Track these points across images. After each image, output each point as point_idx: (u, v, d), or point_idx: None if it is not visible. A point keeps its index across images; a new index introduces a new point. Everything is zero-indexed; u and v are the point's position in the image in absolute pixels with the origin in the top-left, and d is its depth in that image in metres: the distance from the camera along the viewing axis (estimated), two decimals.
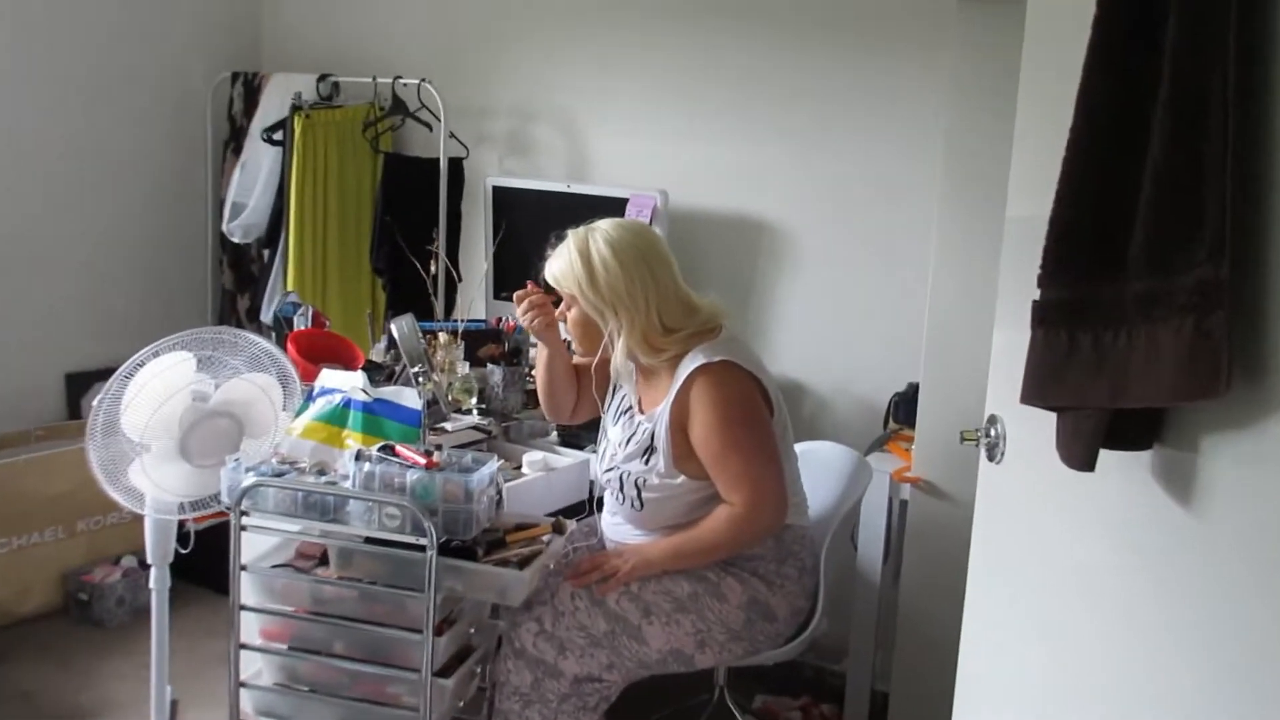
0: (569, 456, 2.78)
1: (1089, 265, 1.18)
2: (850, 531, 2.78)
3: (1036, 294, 1.25)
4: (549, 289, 2.27)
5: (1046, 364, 1.24)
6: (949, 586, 2.15)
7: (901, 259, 3.18)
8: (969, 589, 1.78)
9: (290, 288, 3.71)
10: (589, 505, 2.61)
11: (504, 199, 3.61)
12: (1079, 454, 1.23)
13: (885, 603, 2.89)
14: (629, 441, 2.26)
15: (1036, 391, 1.27)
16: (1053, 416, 1.29)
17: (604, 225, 2.21)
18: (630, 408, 2.31)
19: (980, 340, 1.92)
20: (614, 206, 3.20)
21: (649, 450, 2.22)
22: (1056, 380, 1.23)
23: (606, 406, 2.41)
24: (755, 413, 2.18)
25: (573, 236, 2.21)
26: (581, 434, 2.84)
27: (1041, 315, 1.25)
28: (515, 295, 2.34)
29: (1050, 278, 1.23)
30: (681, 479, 2.20)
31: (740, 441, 2.15)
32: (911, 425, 2.81)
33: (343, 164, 3.88)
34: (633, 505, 2.24)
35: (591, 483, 2.66)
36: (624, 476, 2.25)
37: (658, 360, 2.20)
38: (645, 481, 2.21)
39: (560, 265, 2.20)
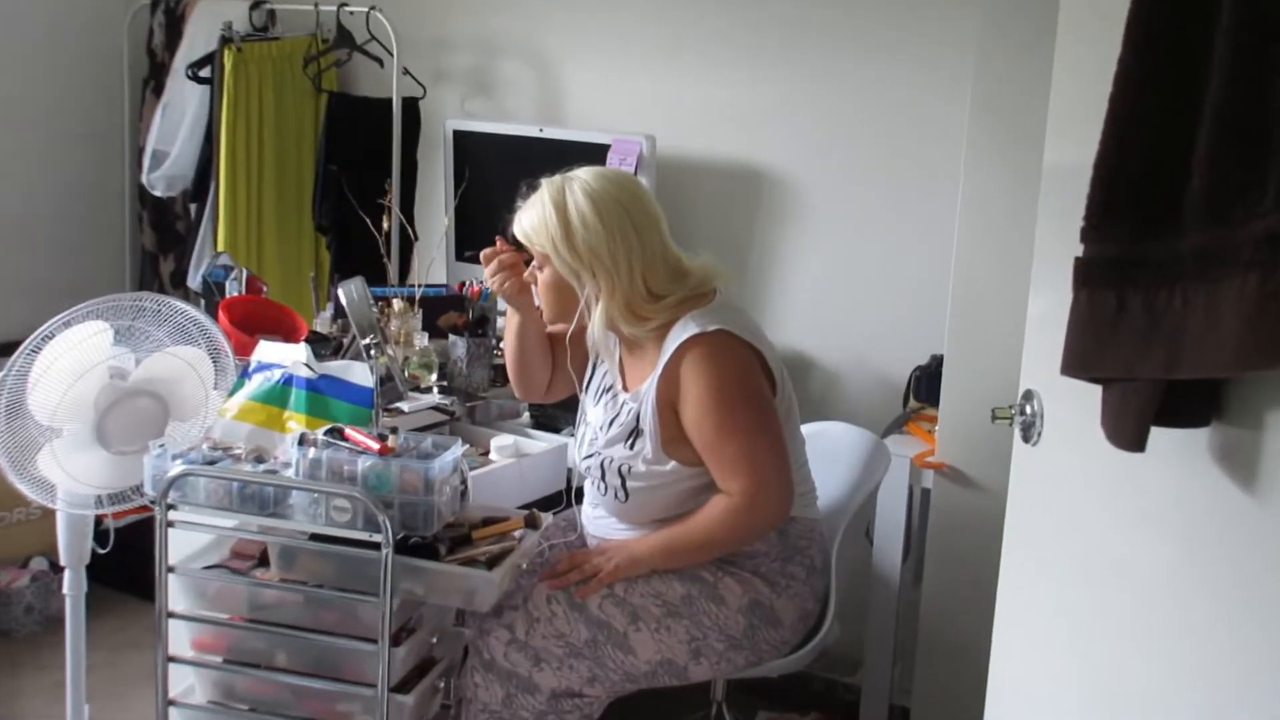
0: (543, 441, 2.78)
1: (1140, 216, 1.18)
2: (865, 525, 2.79)
3: (1079, 250, 1.25)
4: (520, 246, 2.26)
5: (1091, 330, 1.24)
6: (977, 586, 2.17)
7: (923, 213, 3.18)
8: (1000, 589, 1.80)
9: (221, 248, 3.70)
10: (567, 496, 2.62)
11: (466, 145, 3.59)
12: (1127, 432, 1.23)
13: (905, 606, 2.91)
14: (611, 424, 2.27)
15: (1079, 362, 1.28)
16: (1097, 391, 1.29)
17: (583, 174, 2.20)
18: (612, 385, 2.32)
19: (1013, 305, 1.92)
20: (593, 153, 3.19)
21: (634, 433, 2.22)
22: (1102, 348, 1.23)
23: (585, 383, 2.41)
24: (755, 389, 2.18)
25: (547, 186, 2.20)
26: (558, 415, 2.85)
27: (1085, 274, 1.25)
28: (483, 254, 2.34)
29: (1095, 231, 1.23)
30: (671, 465, 2.20)
31: (738, 422, 2.15)
32: (935, 403, 2.83)
33: (280, 105, 3.86)
34: (616, 496, 2.25)
35: (569, 470, 2.67)
36: (606, 463, 2.25)
37: (643, 330, 2.20)
38: (630, 469, 2.22)
39: (532, 219, 2.19)
